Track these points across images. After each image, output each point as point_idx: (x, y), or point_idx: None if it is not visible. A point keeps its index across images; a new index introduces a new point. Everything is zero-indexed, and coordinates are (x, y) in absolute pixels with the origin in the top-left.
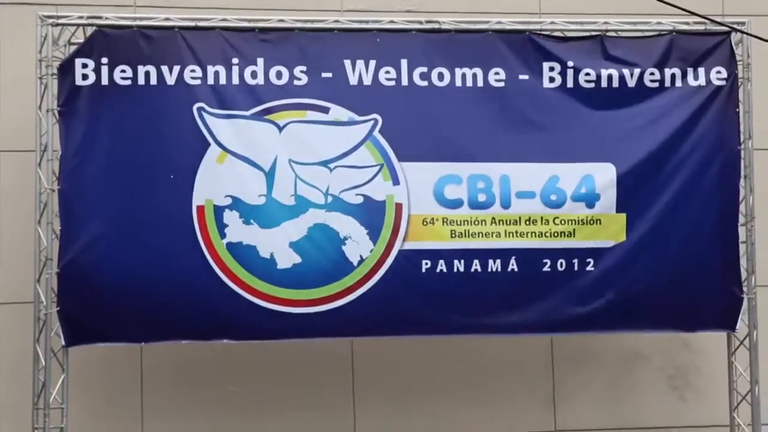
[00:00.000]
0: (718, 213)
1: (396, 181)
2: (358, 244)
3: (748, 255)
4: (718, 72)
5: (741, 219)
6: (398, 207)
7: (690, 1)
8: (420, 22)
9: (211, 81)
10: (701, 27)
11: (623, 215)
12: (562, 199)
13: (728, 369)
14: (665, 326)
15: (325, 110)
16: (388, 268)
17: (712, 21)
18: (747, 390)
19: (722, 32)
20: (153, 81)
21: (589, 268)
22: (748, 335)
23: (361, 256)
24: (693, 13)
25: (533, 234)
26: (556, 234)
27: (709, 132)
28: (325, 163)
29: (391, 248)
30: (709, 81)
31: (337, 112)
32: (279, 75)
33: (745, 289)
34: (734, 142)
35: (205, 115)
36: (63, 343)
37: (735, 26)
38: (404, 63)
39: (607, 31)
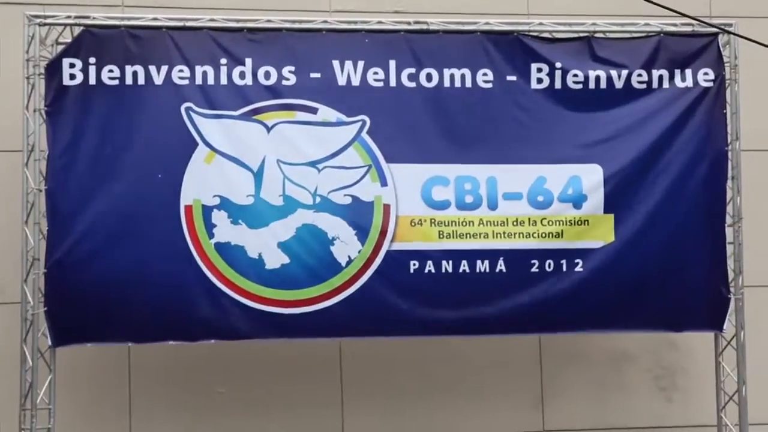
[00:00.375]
0: (705, 214)
1: (384, 182)
2: (346, 245)
3: (735, 255)
4: (706, 73)
5: (728, 220)
6: (386, 208)
7: (678, 3)
8: (408, 23)
9: (199, 81)
10: (689, 28)
11: (611, 216)
12: (549, 201)
13: (715, 369)
14: (653, 326)
15: (314, 111)
16: (376, 268)
17: (700, 22)
18: (734, 390)
19: (710, 34)
20: (141, 81)
21: (578, 268)
22: (736, 335)
23: (349, 257)
24: (681, 14)
25: (521, 235)
26: (544, 235)
27: (696, 133)
28: (313, 164)
29: (379, 249)
30: (696, 82)
31: (326, 112)
32: (267, 75)
33: (732, 289)
34: (722, 143)
35: (193, 115)
36: (50, 343)
37: (722, 28)
38: (392, 64)
39: (595, 32)
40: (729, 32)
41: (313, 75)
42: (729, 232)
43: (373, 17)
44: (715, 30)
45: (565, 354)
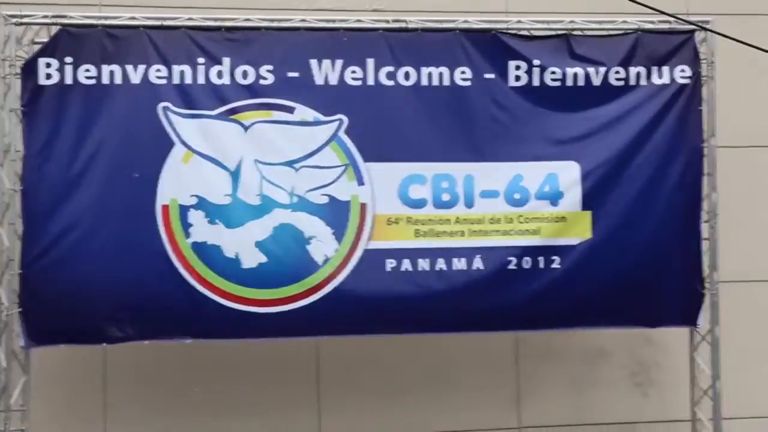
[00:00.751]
0: (681, 210)
1: (360, 182)
2: (323, 244)
3: (710, 252)
4: (682, 70)
5: (704, 216)
6: (363, 207)
7: (655, 0)
8: (387, 21)
9: (176, 80)
10: (666, 26)
11: (588, 213)
12: (526, 198)
13: (690, 364)
14: (628, 322)
15: (291, 110)
16: (353, 267)
17: (677, 19)
18: (708, 385)
19: (687, 31)
20: (118, 80)
21: (555, 265)
22: (710, 331)
23: (326, 256)
24: (658, 11)
25: (498, 232)
26: (520, 232)
27: (672, 130)
28: (290, 164)
29: (356, 248)
30: (673, 79)
31: (303, 112)
32: (245, 75)
33: (707, 285)
34: (698, 140)
35: (170, 114)
36: (22, 344)
37: (699, 25)
38: (370, 62)
39: (572, 29)
40: (706, 29)
41: (290, 74)
42: (704, 228)
43: (352, 16)
44: (692, 27)
45: (541, 351)
